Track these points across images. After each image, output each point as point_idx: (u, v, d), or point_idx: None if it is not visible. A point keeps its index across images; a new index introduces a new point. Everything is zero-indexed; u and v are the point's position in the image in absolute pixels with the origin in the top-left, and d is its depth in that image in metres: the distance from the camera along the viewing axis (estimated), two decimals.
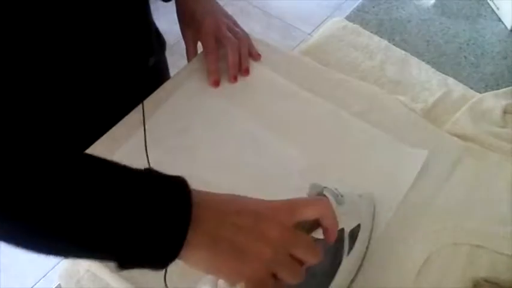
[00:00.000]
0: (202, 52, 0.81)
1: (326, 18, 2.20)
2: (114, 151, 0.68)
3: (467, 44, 0.89)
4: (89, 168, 0.42)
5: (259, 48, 0.82)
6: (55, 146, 0.42)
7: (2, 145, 0.40)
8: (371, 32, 0.89)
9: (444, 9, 0.95)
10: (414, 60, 0.84)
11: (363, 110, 0.75)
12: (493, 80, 0.83)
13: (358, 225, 0.58)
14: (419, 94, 0.79)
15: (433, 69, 0.83)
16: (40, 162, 0.40)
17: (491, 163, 0.70)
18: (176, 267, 0.43)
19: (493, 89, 0.80)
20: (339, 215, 0.49)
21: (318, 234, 0.49)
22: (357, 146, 0.71)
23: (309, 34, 2.24)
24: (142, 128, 0.68)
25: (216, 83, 0.78)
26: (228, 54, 0.78)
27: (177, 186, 0.42)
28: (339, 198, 0.52)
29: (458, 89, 0.80)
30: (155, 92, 0.77)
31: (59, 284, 0.65)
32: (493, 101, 0.77)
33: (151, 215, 0.40)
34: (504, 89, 0.79)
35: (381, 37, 0.88)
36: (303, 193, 0.52)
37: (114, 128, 0.72)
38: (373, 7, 0.95)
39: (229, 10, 0.84)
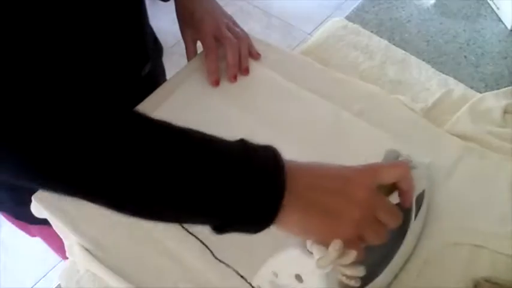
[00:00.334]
0: (202, 52, 0.81)
1: (326, 18, 2.20)
2: None
3: (467, 44, 0.89)
4: (185, 134, 0.44)
5: (259, 48, 0.82)
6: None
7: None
8: (371, 32, 0.89)
9: (444, 9, 0.95)
10: (414, 60, 0.84)
11: (363, 110, 0.75)
12: (493, 80, 0.83)
13: (423, 192, 0.60)
14: (419, 94, 0.79)
15: (433, 69, 0.83)
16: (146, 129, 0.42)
17: (491, 163, 0.70)
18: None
19: (493, 89, 0.80)
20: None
21: (393, 198, 0.51)
22: (356, 146, 0.71)
23: (309, 34, 2.24)
24: None
25: (216, 83, 0.78)
26: (228, 53, 0.78)
27: (271, 153, 0.45)
28: (412, 163, 0.55)
29: (458, 89, 0.80)
30: (155, 92, 0.77)
31: (59, 284, 0.65)
32: (493, 101, 0.77)
33: (250, 180, 0.42)
34: (504, 89, 0.79)
35: (381, 37, 0.88)
36: None
37: None
38: (373, 7, 0.95)
39: (229, 10, 0.84)
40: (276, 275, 0.49)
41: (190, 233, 0.63)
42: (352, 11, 0.95)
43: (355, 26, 0.90)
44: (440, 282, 0.59)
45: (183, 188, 0.41)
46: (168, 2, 0.83)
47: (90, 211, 0.53)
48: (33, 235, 0.96)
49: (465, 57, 0.87)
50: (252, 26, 2.22)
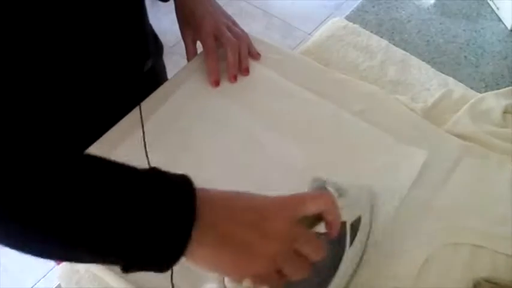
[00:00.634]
0: (202, 52, 0.81)
1: (326, 18, 2.20)
2: (111, 153, 0.68)
3: (467, 44, 0.89)
4: (91, 169, 0.41)
5: (259, 48, 0.82)
6: (53, 147, 0.41)
7: (1, 146, 0.39)
8: (371, 32, 0.89)
9: (444, 9, 0.95)
10: (414, 60, 0.84)
11: (363, 110, 0.75)
12: (493, 80, 0.83)
13: (359, 217, 0.58)
14: (419, 94, 0.79)
15: (433, 69, 0.83)
16: (40, 163, 0.40)
17: (491, 163, 0.70)
18: (180, 267, 0.43)
19: (493, 89, 0.80)
20: (341, 208, 0.49)
21: (320, 228, 0.49)
22: (356, 146, 0.71)
23: (309, 34, 2.24)
24: (141, 129, 0.69)
25: (216, 83, 0.78)
26: (228, 53, 0.78)
27: (181, 183, 0.42)
28: (341, 190, 0.52)
29: (458, 89, 0.80)
30: (155, 92, 0.77)
31: (59, 284, 0.65)
32: (493, 101, 0.77)
33: (155, 214, 0.40)
34: (504, 89, 0.79)
35: (381, 37, 0.88)
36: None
37: (111, 131, 0.72)
38: (373, 7, 0.95)
39: (229, 10, 0.84)
40: None
41: None
42: (352, 11, 0.95)
43: (355, 26, 0.90)
44: (440, 282, 0.59)
45: (85, 226, 0.39)
46: (168, 2, 0.83)
47: None
48: None
49: (465, 57, 0.87)
50: (252, 26, 2.22)
